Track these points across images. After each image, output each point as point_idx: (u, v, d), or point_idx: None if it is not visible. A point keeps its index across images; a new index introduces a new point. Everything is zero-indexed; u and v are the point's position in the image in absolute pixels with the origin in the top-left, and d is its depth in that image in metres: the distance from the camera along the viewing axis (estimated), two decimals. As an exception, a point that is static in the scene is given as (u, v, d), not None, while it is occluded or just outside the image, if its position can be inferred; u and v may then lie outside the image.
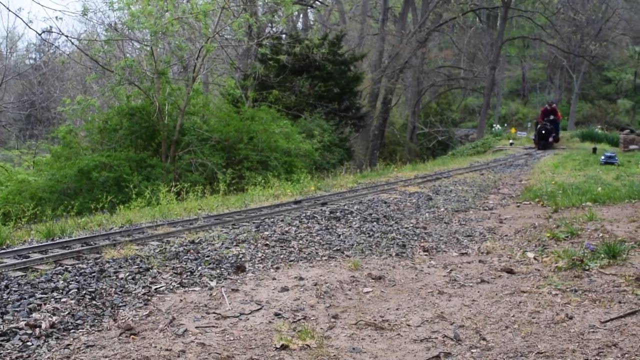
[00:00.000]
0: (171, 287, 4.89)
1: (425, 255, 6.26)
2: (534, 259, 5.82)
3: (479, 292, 4.81)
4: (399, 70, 31.39)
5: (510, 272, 5.38)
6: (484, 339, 3.78)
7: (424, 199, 10.37)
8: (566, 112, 43.25)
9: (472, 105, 48.36)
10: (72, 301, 4.47)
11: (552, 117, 27.18)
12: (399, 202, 9.84)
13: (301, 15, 34.70)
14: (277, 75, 21.66)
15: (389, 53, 31.11)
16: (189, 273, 5.32)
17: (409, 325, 4.11)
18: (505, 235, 7.24)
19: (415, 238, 7.11)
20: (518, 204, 9.73)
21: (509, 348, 3.59)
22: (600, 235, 6.45)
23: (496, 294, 4.70)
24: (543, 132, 26.08)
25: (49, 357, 3.51)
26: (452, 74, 41.42)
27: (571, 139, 29.80)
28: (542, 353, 3.47)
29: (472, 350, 3.62)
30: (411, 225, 7.92)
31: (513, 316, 4.16)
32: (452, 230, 7.65)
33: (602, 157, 17.03)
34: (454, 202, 10.04)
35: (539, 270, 5.37)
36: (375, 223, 7.98)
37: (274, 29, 24.85)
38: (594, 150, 21.82)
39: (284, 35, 24.81)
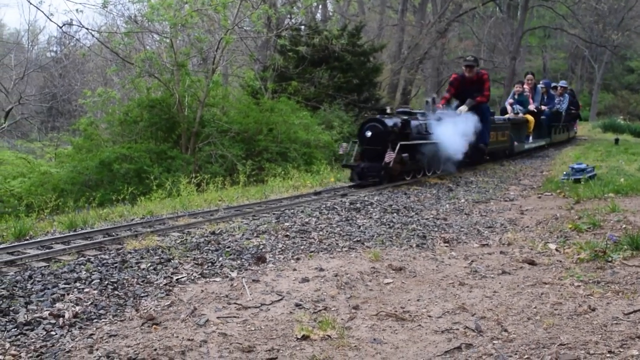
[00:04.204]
0: (192, 278, 4.92)
1: (446, 246, 6.24)
2: (556, 250, 5.77)
3: (500, 283, 4.78)
4: (419, 61, 31.22)
5: (531, 263, 5.35)
6: (505, 330, 3.76)
7: (444, 190, 10.33)
8: (588, 103, 42.84)
9: (492, 95, 47.86)
10: (95, 291, 4.51)
11: (470, 103, 12.58)
12: (419, 194, 9.81)
13: (320, 6, 34.57)
14: (296, 66, 21.62)
15: (408, 44, 30.93)
16: (209, 264, 5.35)
17: (429, 316, 4.10)
18: (527, 227, 7.19)
19: (436, 229, 7.08)
20: (539, 195, 9.65)
21: (530, 339, 3.57)
22: (623, 226, 6.38)
23: (517, 286, 4.67)
24: (368, 134, 10.81)
25: (72, 347, 3.54)
26: (472, 64, 41.02)
27: (593, 129, 29.37)
28: (564, 345, 3.45)
29: (494, 342, 3.60)
30: (431, 216, 7.90)
31: (535, 307, 4.14)
32: (472, 221, 7.61)
33: (565, 173, 10.92)
34: (475, 193, 9.99)
35: (560, 261, 5.33)
36: (395, 214, 7.96)
37: (293, 20, 24.81)
38: (616, 141, 21.45)
39: (303, 27, 24.73)
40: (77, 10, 40.74)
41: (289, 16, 23.76)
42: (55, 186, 13.27)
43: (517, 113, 16.94)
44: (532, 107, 17.49)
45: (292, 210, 8.05)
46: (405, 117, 11.16)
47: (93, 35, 19.59)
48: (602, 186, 9.23)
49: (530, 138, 17.58)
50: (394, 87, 30.36)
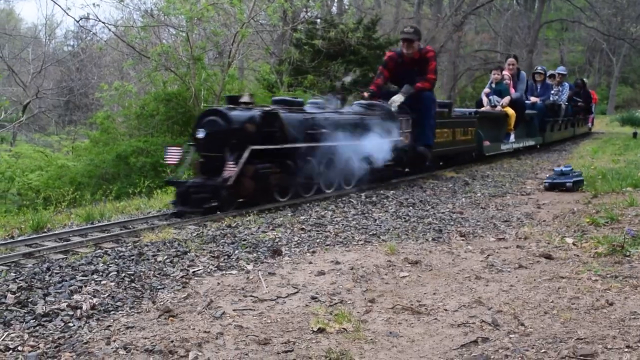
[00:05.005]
0: (208, 271, 4.93)
1: (462, 240, 6.21)
2: (573, 244, 5.73)
3: (516, 277, 4.76)
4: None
5: (548, 257, 5.31)
6: (522, 325, 3.74)
7: (460, 183, 10.28)
8: (606, 96, 42.46)
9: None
10: (112, 283, 4.54)
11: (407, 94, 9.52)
12: (435, 187, 9.77)
13: (336, 0, 34.51)
14: (312, 60, 21.62)
15: (424, 37, 30.81)
16: (226, 256, 5.36)
17: (446, 310, 4.09)
18: (544, 221, 7.15)
19: (452, 223, 7.05)
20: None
21: (548, 334, 3.55)
22: (642, 220, 6.33)
23: (534, 280, 4.64)
24: (201, 135, 7.14)
25: (90, 338, 3.56)
26: (489, 57, 40.82)
27: (611, 123, 29.07)
28: (582, 339, 3.43)
29: (511, 336, 3.58)
30: (447, 210, 7.87)
31: (552, 302, 4.11)
32: (489, 215, 7.57)
33: (547, 177, 9.77)
34: (491, 187, 9.94)
35: (578, 256, 5.29)
36: (411, 208, 7.94)
37: (308, 14, 24.79)
38: (635, 134, 21.21)
39: (318, 20, 24.73)
40: (93, 4, 40.73)
41: (304, 9, 23.75)
42: (72, 179, 13.40)
43: (495, 105, 13.90)
44: (504, 101, 13.91)
45: (307, 204, 8.05)
46: (270, 109, 7.49)
47: (110, 29, 19.75)
48: (619, 180, 9.16)
49: (512, 136, 14.33)
50: (409, 80, 30.25)
